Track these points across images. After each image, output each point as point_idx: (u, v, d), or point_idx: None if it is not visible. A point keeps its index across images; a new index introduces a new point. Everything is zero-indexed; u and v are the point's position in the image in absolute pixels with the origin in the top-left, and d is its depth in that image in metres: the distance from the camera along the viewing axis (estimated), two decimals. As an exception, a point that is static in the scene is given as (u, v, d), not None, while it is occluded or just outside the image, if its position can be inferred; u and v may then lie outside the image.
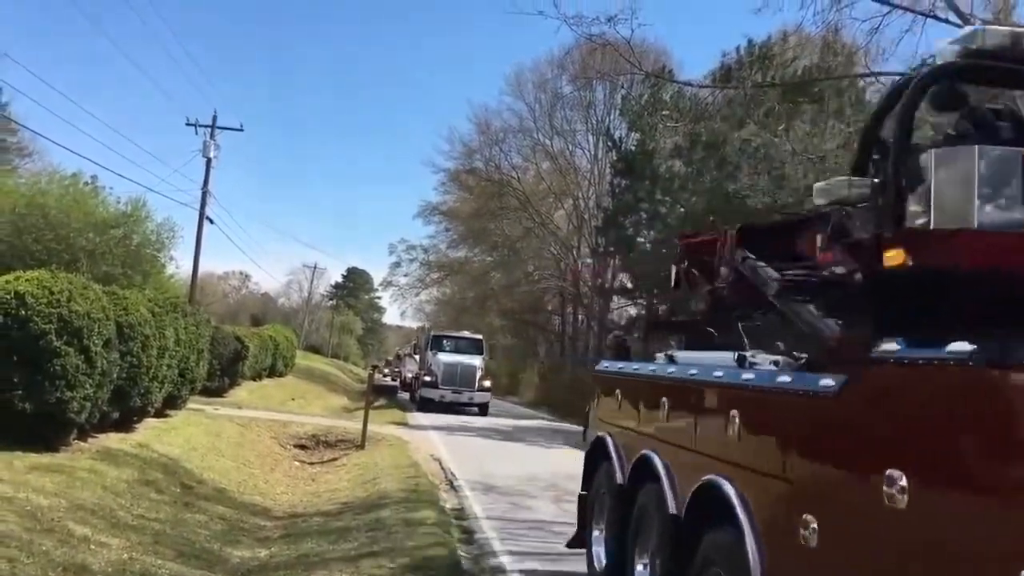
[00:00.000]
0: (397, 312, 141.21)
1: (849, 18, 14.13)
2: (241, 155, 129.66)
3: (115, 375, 11.58)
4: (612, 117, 45.95)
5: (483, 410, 31.85)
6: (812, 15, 13.87)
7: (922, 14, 13.44)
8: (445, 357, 32.60)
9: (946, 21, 13.23)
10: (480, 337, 36.59)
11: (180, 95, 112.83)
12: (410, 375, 42.94)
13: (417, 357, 42.85)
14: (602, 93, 45.39)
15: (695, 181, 31.34)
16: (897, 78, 14.80)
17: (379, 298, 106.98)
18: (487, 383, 32.77)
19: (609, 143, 44.70)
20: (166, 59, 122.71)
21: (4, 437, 9.76)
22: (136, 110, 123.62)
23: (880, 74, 15.51)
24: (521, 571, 8.58)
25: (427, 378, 32.49)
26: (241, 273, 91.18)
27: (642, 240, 38.35)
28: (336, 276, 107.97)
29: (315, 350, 78.91)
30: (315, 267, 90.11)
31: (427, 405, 31.44)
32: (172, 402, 15.91)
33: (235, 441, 16.40)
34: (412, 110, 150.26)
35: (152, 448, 12.60)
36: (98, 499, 9.06)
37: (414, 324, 78.16)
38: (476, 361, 32.62)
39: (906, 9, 13.44)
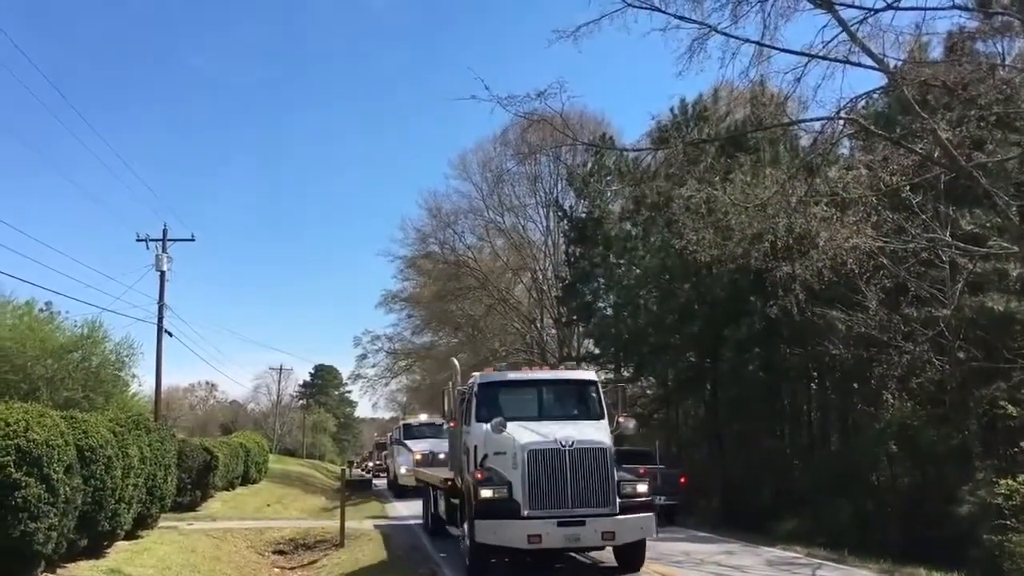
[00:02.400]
0: (369, 404, 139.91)
1: (772, 71, 14.65)
2: (197, 265, 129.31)
3: (79, 501, 11.35)
4: (560, 187, 46.67)
5: (634, 560, 13.70)
6: (734, 73, 14.36)
7: (838, 61, 13.96)
8: (524, 434, 13.14)
9: (860, 65, 13.81)
10: (592, 377, 15.55)
11: (127, 211, 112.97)
12: (405, 470, 31.94)
13: (412, 447, 32.63)
14: (547, 165, 46.19)
15: (645, 241, 31.81)
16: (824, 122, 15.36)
17: (349, 392, 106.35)
18: (641, 487, 13.17)
19: (559, 213, 45.27)
20: (110, 178, 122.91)
21: (-32, 578, 9.49)
22: (85, 232, 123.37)
23: (804, 121, 16.05)
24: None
25: (487, 491, 12.82)
26: (207, 383, 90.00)
27: (602, 304, 38.64)
28: (304, 375, 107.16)
29: (290, 453, 77.69)
30: (281, 368, 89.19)
31: (492, 557, 13.31)
32: (143, 522, 15.57)
33: (211, 555, 16.02)
34: (365, 204, 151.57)
35: (124, 572, 12.29)
36: (70, 631, 8.80)
37: (387, 415, 77.48)
38: (599, 433, 13.47)
39: (822, 58, 13.95)
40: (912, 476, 20.55)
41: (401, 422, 39.29)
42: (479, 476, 12.95)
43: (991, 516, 15.91)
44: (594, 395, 14.76)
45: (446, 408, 15.33)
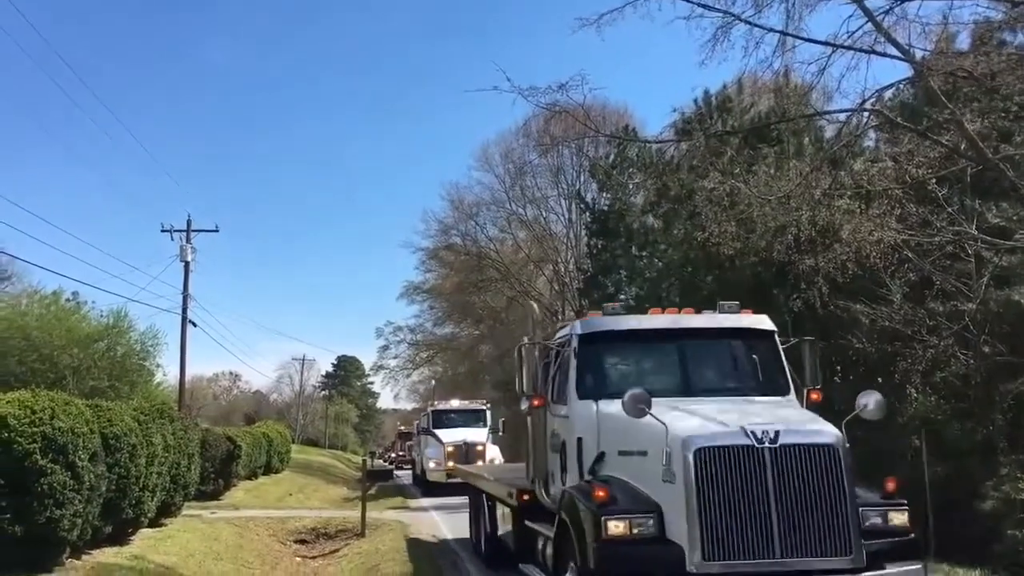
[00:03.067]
0: (390, 396, 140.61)
1: (795, 62, 14.54)
2: (220, 256, 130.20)
3: (104, 488, 11.49)
4: (582, 179, 46.58)
5: None
6: (756, 63, 14.27)
7: (863, 51, 13.83)
8: (681, 419, 7.56)
9: (885, 55, 13.65)
10: (769, 326, 9.64)
11: (152, 202, 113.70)
12: (435, 464, 29.33)
13: (444, 438, 29.55)
14: (569, 157, 46.12)
15: (667, 234, 31.66)
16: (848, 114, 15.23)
17: (371, 383, 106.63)
18: (898, 517, 7.55)
19: (581, 205, 45.19)
20: (133, 168, 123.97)
21: (-5, 563, 9.63)
22: (109, 222, 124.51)
23: (828, 112, 15.92)
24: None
25: (618, 525, 7.18)
26: (231, 373, 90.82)
27: (624, 297, 38.47)
28: (326, 366, 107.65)
29: (312, 443, 78.22)
30: (304, 359, 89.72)
31: None
32: (167, 510, 15.73)
33: (234, 543, 16.18)
34: (388, 194, 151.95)
35: (148, 559, 12.44)
36: (94, 616, 8.93)
37: (408, 406, 77.73)
38: (811, 419, 7.89)
39: (847, 48, 13.81)
40: (935, 471, 20.34)
41: (429, 408, 34.03)
42: (600, 494, 7.31)
43: (1015, 511, 15.77)
44: (774, 355, 9.31)
45: (522, 376, 9.31)
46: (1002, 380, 19.24)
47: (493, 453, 29.43)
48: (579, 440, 8.68)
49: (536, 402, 9.75)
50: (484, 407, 33.00)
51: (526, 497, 10.08)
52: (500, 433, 31.81)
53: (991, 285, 18.69)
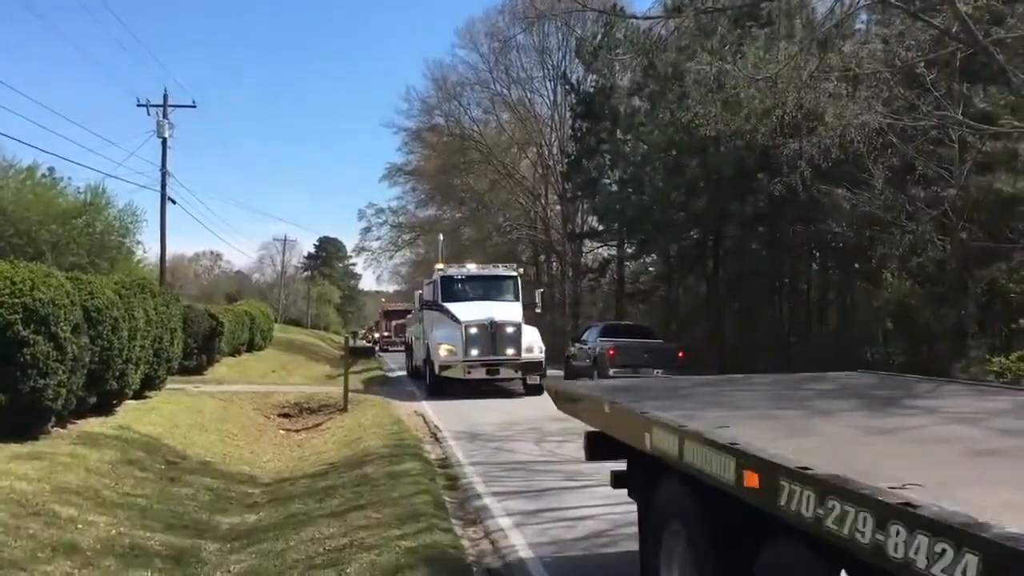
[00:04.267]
0: (373, 277, 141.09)
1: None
2: (200, 133, 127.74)
3: (87, 359, 11.57)
4: (568, 61, 45.86)
5: None
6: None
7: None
8: None
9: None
10: None
11: (128, 75, 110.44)
12: (447, 352, 21.02)
13: (459, 315, 21.14)
14: (555, 36, 45.19)
15: (653, 116, 31.35)
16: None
17: (354, 265, 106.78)
18: None
19: (567, 87, 44.59)
20: (109, 40, 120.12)
21: (-18, 430, 9.78)
22: (84, 95, 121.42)
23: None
24: (505, 510, 8.78)
25: None
26: (212, 253, 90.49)
27: (607, 181, 38.41)
28: (308, 247, 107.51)
29: (295, 323, 78.80)
30: (285, 239, 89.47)
31: None
32: (151, 383, 15.91)
33: (218, 416, 16.47)
34: (371, 73, 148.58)
35: (133, 429, 12.66)
36: (82, 481, 9.13)
37: (391, 288, 78.09)
38: None
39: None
40: (907, 354, 20.84)
41: (438, 273, 23.83)
42: None
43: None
44: None
45: None
46: (977, 266, 19.55)
47: (532, 338, 21.61)
48: None
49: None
50: (514, 272, 24.34)
51: None
52: (537, 309, 25.27)
53: (973, 171, 18.73)
